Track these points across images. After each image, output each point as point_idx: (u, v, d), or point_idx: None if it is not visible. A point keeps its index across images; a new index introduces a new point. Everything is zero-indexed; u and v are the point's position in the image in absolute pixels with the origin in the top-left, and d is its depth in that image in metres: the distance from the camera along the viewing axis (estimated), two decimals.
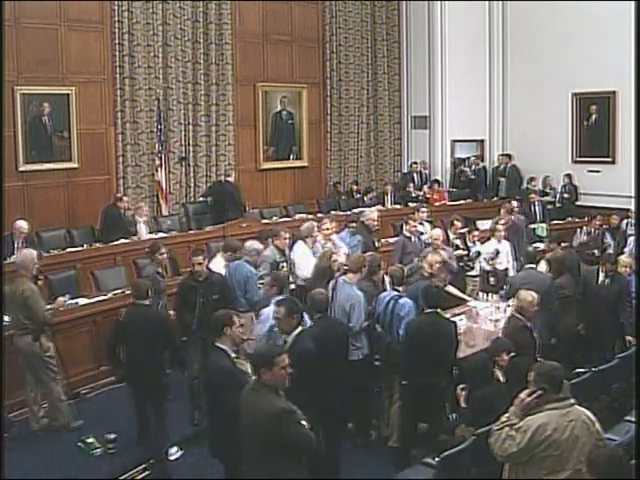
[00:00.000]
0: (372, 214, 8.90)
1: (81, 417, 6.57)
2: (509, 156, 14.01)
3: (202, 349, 6.33)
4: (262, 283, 7.05)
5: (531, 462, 3.67)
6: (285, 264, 7.42)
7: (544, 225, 11.32)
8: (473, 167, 14.19)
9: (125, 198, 10.48)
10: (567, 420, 3.66)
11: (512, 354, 5.25)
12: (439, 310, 5.84)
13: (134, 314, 5.96)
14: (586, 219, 11.00)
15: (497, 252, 8.49)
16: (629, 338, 6.89)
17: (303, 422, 3.89)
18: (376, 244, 8.95)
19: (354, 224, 8.76)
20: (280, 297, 5.57)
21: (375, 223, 8.84)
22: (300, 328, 5.02)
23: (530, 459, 3.67)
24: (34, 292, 6.29)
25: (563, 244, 8.60)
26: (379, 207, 12.00)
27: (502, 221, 9.27)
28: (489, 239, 8.88)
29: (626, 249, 9.66)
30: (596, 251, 9.16)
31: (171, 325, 6.35)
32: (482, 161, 14.41)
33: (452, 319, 6.26)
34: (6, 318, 6.52)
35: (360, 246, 8.23)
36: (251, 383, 4.06)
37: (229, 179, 11.45)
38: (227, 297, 6.54)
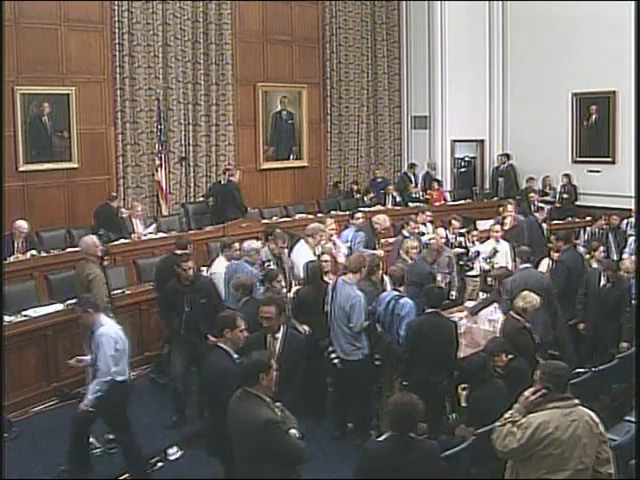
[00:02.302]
0: (385, 223, 8.76)
1: None
2: (507, 156, 14.04)
3: (188, 353, 6.36)
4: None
5: (531, 460, 3.67)
6: (275, 266, 7.40)
7: (544, 225, 11.30)
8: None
9: (118, 197, 10.51)
10: (569, 420, 3.66)
11: (510, 356, 5.24)
12: (439, 310, 5.85)
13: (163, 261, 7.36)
14: (588, 219, 10.97)
15: (495, 251, 8.50)
16: (624, 344, 6.80)
17: (292, 431, 3.88)
18: (377, 246, 8.94)
19: (359, 215, 8.81)
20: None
21: (383, 231, 8.81)
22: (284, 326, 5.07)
23: (530, 457, 3.67)
24: (97, 276, 6.73)
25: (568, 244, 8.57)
26: (379, 207, 12.07)
27: (507, 220, 9.30)
28: (488, 239, 8.89)
29: (626, 249, 9.64)
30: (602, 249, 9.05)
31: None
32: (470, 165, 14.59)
33: (452, 319, 6.27)
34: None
35: (362, 243, 8.27)
36: (237, 393, 3.97)
37: (232, 179, 11.45)
38: (214, 301, 6.43)
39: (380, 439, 3.97)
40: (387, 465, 3.80)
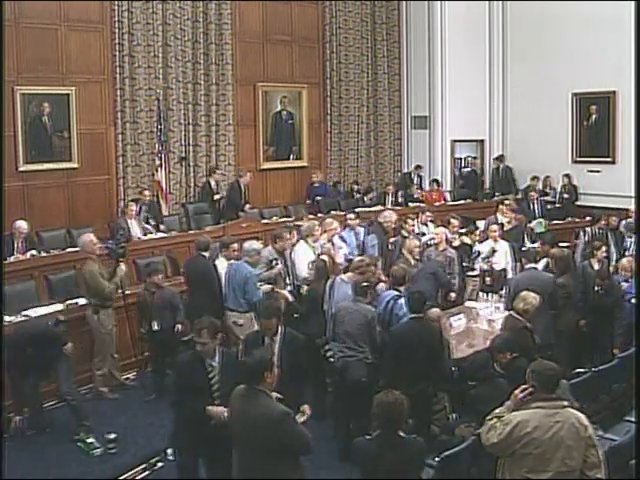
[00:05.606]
0: (392, 217, 8.85)
1: None
2: (501, 157, 14.06)
3: None
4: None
5: (513, 458, 3.71)
6: (280, 264, 7.41)
7: (542, 221, 11.28)
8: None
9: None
10: (553, 421, 3.65)
11: (514, 354, 5.23)
12: (422, 315, 5.71)
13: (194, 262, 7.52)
14: (587, 219, 10.94)
15: (493, 251, 8.50)
16: (616, 351, 6.68)
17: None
18: (388, 246, 8.95)
19: (352, 215, 8.82)
20: None
21: (393, 226, 8.83)
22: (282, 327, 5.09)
23: (512, 455, 3.70)
24: (92, 272, 6.91)
25: (561, 244, 8.55)
26: (379, 207, 12.05)
27: (507, 220, 9.29)
28: (487, 239, 8.89)
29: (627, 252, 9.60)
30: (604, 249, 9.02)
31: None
32: (472, 165, 14.55)
33: (435, 323, 6.02)
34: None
35: (377, 246, 8.27)
36: (240, 390, 4.00)
37: (240, 180, 11.50)
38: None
39: (369, 437, 4.01)
40: (374, 462, 3.85)
